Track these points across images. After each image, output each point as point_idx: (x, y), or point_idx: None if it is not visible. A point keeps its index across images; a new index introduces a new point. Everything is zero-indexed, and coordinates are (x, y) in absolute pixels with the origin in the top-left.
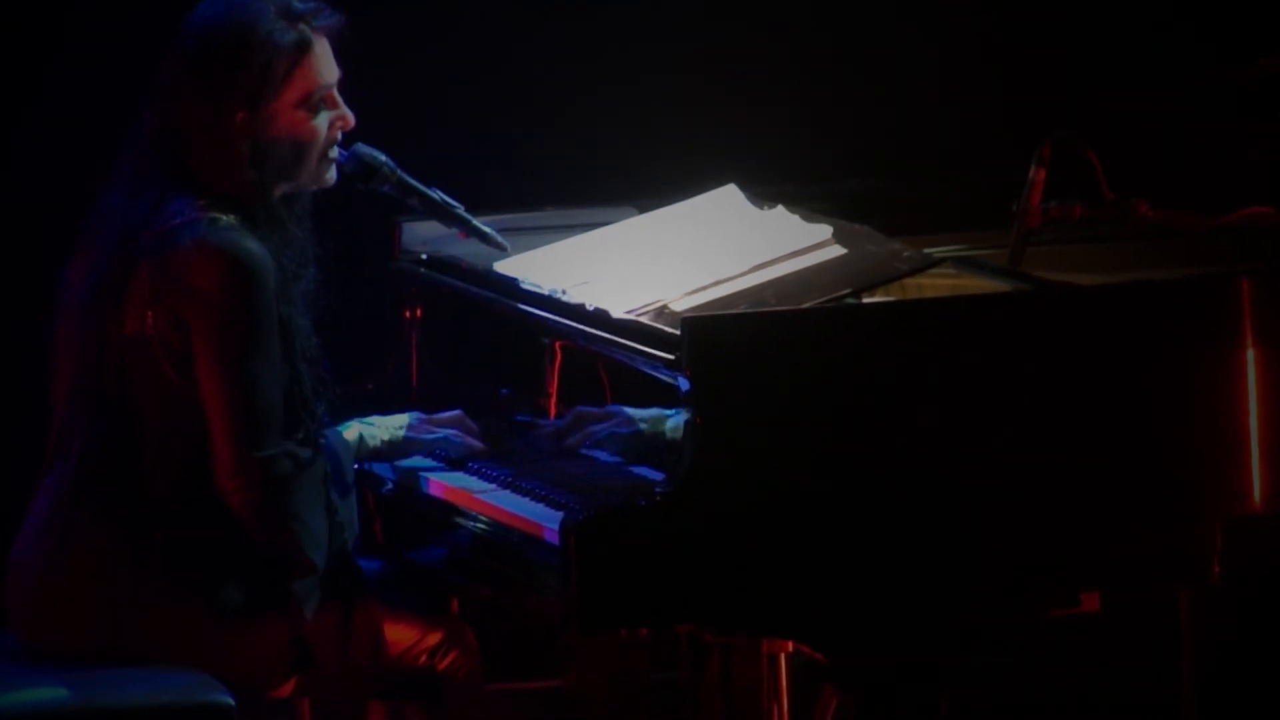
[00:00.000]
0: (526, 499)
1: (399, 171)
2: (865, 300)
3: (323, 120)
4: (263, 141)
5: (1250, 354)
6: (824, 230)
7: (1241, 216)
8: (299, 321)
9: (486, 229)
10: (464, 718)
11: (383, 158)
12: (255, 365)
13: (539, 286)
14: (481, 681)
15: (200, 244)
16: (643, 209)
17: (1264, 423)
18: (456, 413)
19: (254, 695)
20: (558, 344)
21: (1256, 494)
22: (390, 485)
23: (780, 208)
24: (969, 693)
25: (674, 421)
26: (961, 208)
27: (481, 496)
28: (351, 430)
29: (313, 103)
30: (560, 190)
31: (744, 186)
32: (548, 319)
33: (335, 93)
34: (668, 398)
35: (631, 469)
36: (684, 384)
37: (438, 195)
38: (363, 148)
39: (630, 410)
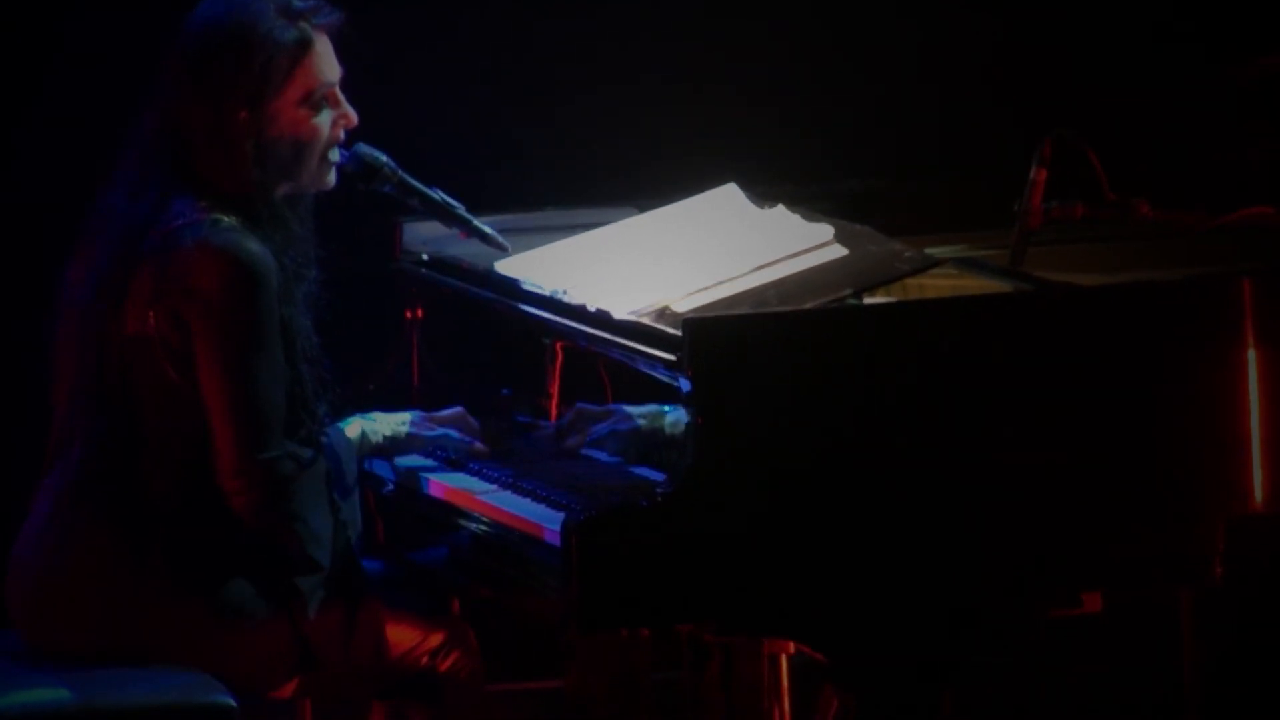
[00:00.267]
0: (527, 499)
1: (400, 172)
2: (866, 301)
3: (325, 119)
4: (265, 140)
5: (1251, 354)
6: (825, 230)
7: (1241, 216)
8: (300, 322)
9: (487, 229)
10: (465, 718)
11: (384, 158)
12: (257, 366)
13: (540, 287)
14: (483, 682)
15: (202, 245)
16: (643, 209)
17: (1265, 422)
18: (458, 410)
19: (255, 696)
20: (559, 344)
21: (1258, 494)
22: (391, 486)
23: (781, 207)
24: (969, 693)
25: (672, 417)
26: (962, 208)
27: (482, 497)
28: (354, 426)
29: (315, 101)
30: (561, 190)
31: (744, 186)
32: (549, 319)
33: (338, 91)
34: (669, 398)
35: (632, 469)
36: (685, 385)
37: (439, 195)
38: (364, 148)
39: (629, 408)
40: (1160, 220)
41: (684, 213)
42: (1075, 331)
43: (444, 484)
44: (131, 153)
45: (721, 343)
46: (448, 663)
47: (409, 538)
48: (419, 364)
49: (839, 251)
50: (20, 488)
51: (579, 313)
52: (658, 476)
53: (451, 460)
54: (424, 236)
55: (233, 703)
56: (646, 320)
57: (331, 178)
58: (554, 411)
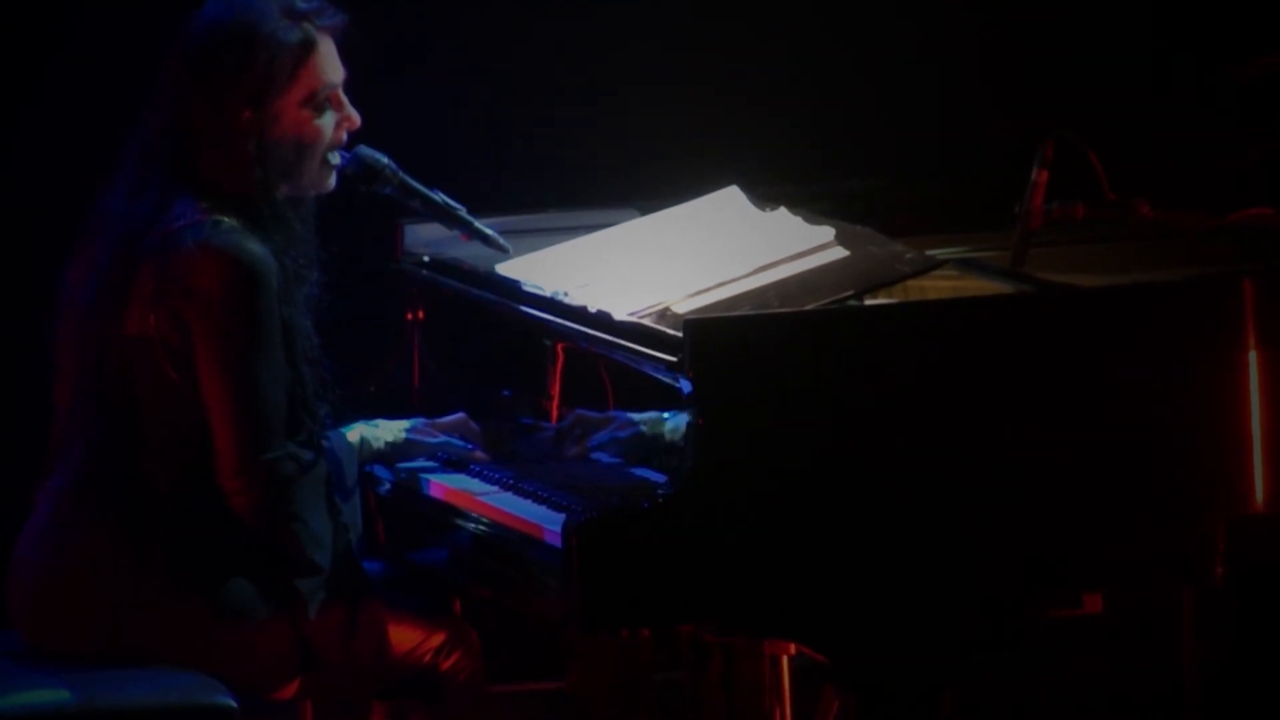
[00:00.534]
0: (528, 501)
1: (401, 173)
2: (868, 302)
3: (328, 120)
4: (267, 141)
5: (1252, 354)
6: (826, 232)
7: (1242, 216)
8: (301, 323)
9: (488, 231)
10: (466, 719)
11: (385, 160)
12: (258, 367)
13: (541, 288)
14: (483, 682)
15: (203, 246)
16: (644, 210)
17: (1266, 423)
18: (460, 416)
19: (256, 697)
20: (560, 346)
21: (1259, 494)
22: (391, 486)
23: (783, 209)
24: (969, 692)
25: (673, 423)
26: (963, 209)
27: (483, 498)
28: (354, 433)
29: (318, 102)
30: (562, 192)
31: (745, 188)
32: (550, 321)
33: (341, 93)
34: (670, 399)
35: (632, 471)
36: (686, 386)
37: (440, 197)
38: (365, 150)
39: (629, 415)
40: (1161, 221)
41: (685, 215)
42: (1076, 332)
43: (444, 485)
44: (132, 153)
45: (723, 344)
46: (449, 663)
47: (410, 538)
48: (420, 365)
49: (840, 253)
50: (21, 488)
51: (580, 314)
52: (659, 478)
53: (452, 461)
54: (425, 238)
55: (233, 703)
56: (647, 321)
57: (331, 180)
58: (555, 413)
